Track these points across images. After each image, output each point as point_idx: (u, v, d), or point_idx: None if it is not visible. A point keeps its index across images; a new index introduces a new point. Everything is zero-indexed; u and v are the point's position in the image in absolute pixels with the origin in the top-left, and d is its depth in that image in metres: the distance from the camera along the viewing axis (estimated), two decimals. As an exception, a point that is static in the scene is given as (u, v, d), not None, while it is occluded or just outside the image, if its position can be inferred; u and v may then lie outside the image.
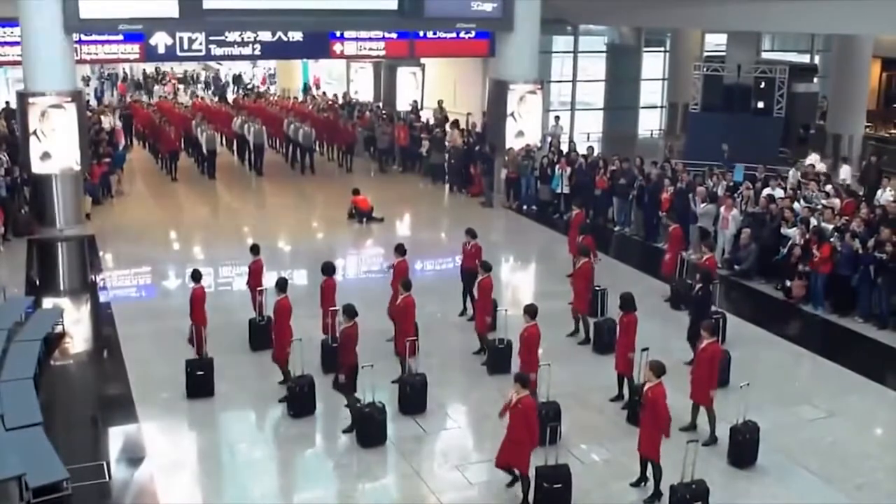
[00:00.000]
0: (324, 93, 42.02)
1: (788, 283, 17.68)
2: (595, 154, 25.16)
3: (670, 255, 18.09)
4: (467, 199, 26.07)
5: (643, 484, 10.89)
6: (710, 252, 16.18)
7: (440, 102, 32.52)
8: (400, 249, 15.42)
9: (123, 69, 57.03)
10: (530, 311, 12.52)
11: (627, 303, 13.07)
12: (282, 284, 13.46)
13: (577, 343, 15.38)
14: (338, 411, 12.58)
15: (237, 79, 57.29)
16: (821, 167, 23.56)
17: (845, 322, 16.70)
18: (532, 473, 10.49)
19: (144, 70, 58.46)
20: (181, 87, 56.34)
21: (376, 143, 31.74)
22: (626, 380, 13.10)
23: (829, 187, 20.49)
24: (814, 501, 11.00)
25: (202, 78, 60.93)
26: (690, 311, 14.81)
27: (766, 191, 20.25)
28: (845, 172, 23.54)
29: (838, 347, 15.70)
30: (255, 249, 15.70)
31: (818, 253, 16.78)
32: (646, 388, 10.70)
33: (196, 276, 14.29)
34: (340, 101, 37.72)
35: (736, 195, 20.30)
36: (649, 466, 10.79)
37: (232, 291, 17.95)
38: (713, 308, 15.06)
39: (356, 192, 23.69)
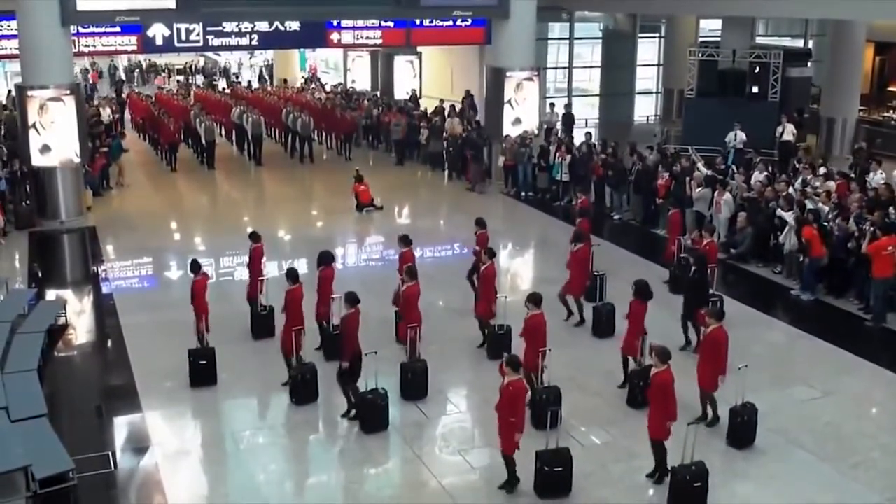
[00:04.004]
0: (323, 86, 41.91)
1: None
2: (592, 140, 25.30)
3: (671, 239, 18.24)
4: (466, 187, 26.14)
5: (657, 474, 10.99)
6: (711, 237, 16.27)
7: (441, 101, 32.53)
8: (405, 240, 15.53)
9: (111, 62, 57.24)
10: (534, 299, 12.54)
11: (641, 290, 13.14)
12: (294, 275, 13.59)
13: (573, 326, 15.52)
14: (340, 398, 12.69)
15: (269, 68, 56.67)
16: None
17: (840, 303, 16.84)
18: (532, 457, 10.61)
19: (140, 62, 58.55)
20: (180, 78, 56.23)
21: (378, 133, 31.81)
22: (628, 361, 13.20)
23: (823, 170, 20.60)
24: (810, 480, 11.13)
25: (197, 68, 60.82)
26: (686, 295, 14.93)
27: (756, 175, 20.41)
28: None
29: (834, 328, 15.82)
30: (254, 237, 15.81)
31: (803, 239, 16.86)
32: (653, 373, 10.78)
33: (195, 267, 14.34)
34: (324, 88, 37.73)
35: (728, 178, 20.50)
36: (646, 451, 10.90)
37: (233, 281, 18.05)
38: (711, 291, 15.23)
39: (360, 178, 23.70)
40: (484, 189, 25.45)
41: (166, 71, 58.20)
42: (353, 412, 12.52)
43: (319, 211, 25.13)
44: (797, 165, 21.68)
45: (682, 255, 17.38)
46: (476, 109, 30.61)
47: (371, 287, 15.72)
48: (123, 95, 41.64)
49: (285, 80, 46.37)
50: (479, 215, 16.97)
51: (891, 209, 17.17)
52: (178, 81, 53.24)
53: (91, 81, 51.03)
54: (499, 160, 25.61)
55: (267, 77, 53.24)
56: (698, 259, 15.05)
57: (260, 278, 15.25)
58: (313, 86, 41.98)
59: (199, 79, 56.63)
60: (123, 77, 56.50)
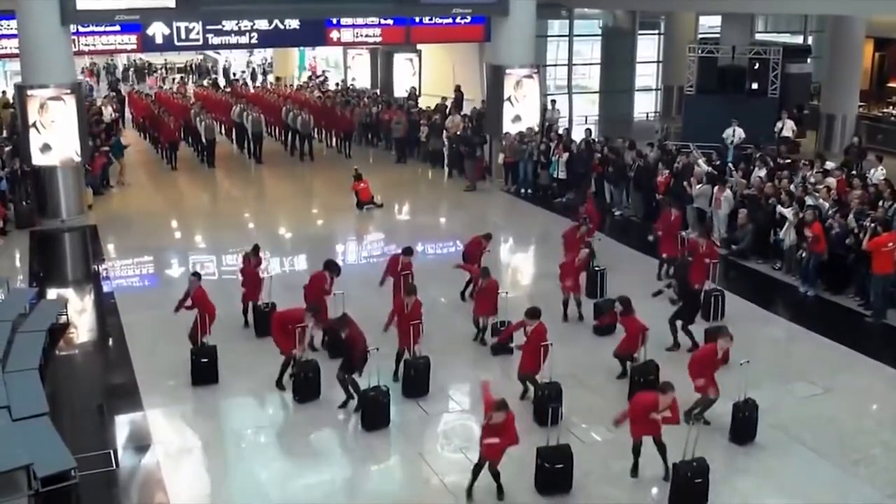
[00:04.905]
0: (320, 85, 41.78)
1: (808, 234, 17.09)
2: (592, 137, 25.31)
3: (663, 235, 18.15)
4: (465, 186, 26.10)
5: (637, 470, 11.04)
6: (698, 233, 16.26)
7: (444, 98, 32.56)
8: (407, 251, 15.55)
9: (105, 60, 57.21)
10: (532, 313, 12.54)
11: (628, 306, 13.18)
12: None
13: (574, 322, 15.52)
14: (342, 396, 12.73)
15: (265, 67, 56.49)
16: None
17: (840, 300, 16.84)
18: (533, 454, 10.67)
19: (135, 61, 58.51)
20: (178, 76, 56.17)
21: (378, 131, 31.77)
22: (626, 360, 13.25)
23: (825, 165, 20.60)
24: (811, 477, 11.15)
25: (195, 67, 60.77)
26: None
27: (756, 171, 20.41)
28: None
29: (834, 325, 15.81)
30: (254, 251, 15.76)
31: (809, 234, 16.85)
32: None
33: (195, 275, 14.35)
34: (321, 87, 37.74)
35: (727, 176, 20.52)
36: (644, 451, 10.93)
37: (235, 279, 18.00)
38: (712, 286, 15.25)
39: (359, 176, 23.71)
40: (475, 186, 25.41)
41: (160, 71, 58.15)
42: (349, 403, 12.61)
43: (320, 209, 25.13)
44: (779, 160, 21.69)
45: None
46: (462, 106, 30.73)
47: (372, 285, 15.72)
48: (123, 93, 41.59)
49: (278, 78, 46.31)
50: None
51: (881, 204, 17.17)
52: (173, 80, 53.22)
53: (88, 81, 51.08)
54: (498, 157, 25.61)
55: (260, 75, 53.30)
56: (671, 259, 15.15)
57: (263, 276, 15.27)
58: (312, 83, 41.97)
59: (195, 77, 56.66)
60: (120, 76, 56.47)
